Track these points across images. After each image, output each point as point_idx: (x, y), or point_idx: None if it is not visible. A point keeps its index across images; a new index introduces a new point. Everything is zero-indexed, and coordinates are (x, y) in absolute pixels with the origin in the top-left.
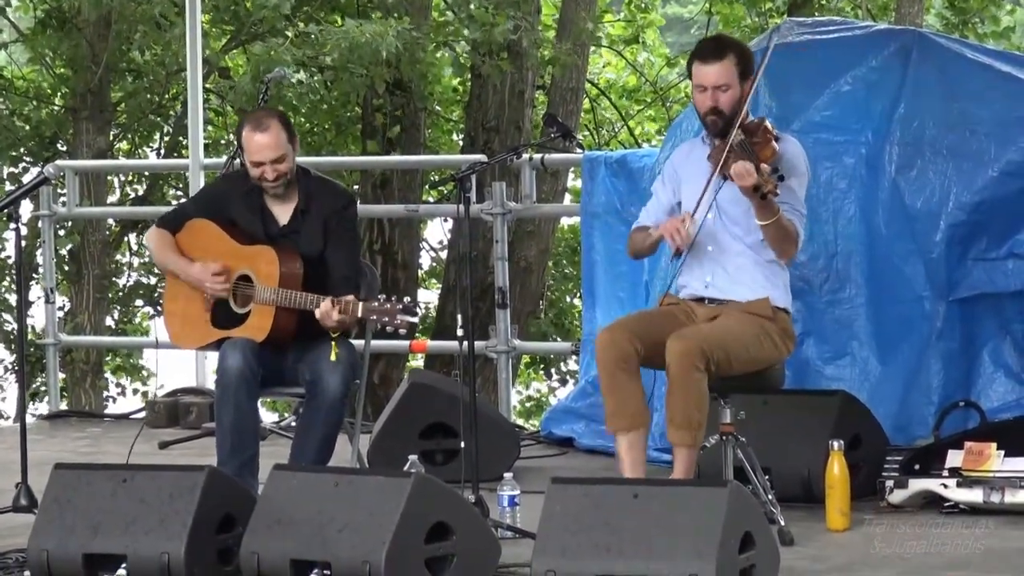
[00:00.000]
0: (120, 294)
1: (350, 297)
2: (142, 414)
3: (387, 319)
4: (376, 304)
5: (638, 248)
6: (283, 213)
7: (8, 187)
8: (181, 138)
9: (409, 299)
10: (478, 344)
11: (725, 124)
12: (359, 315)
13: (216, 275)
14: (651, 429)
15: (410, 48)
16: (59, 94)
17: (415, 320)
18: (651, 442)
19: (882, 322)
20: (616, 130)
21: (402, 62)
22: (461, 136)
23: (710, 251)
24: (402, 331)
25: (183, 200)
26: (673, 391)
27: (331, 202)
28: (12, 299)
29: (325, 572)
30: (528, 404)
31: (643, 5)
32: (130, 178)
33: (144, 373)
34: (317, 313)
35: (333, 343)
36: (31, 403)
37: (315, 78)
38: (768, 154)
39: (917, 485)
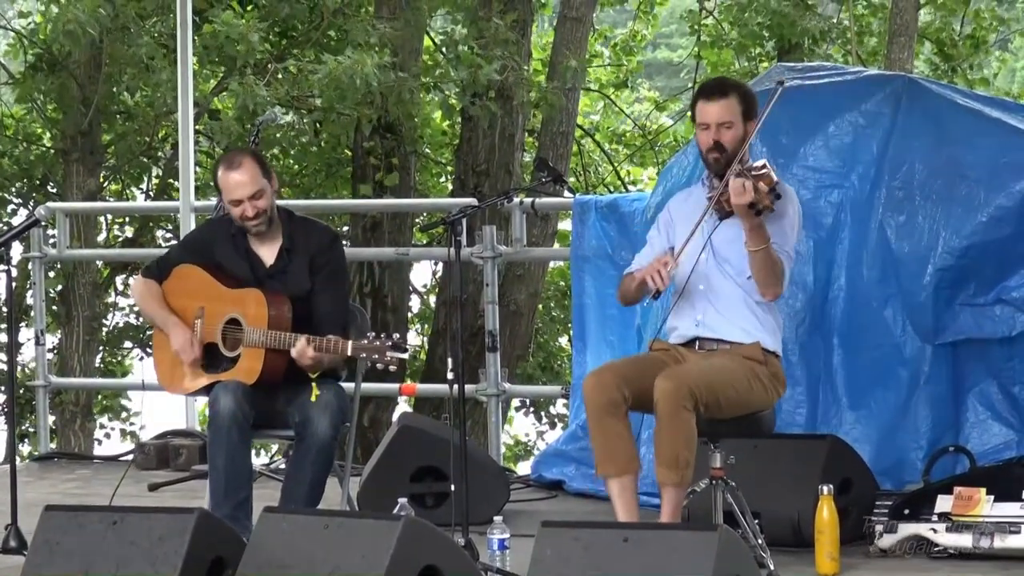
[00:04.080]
0: (109, 336)
1: (330, 336)
2: (132, 456)
3: (376, 356)
4: (365, 342)
5: (625, 293)
6: (268, 254)
7: None
8: (171, 180)
9: (398, 335)
10: (468, 387)
11: (726, 163)
12: (348, 353)
13: (192, 346)
14: (642, 469)
15: (397, 88)
16: (49, 136)
17: (405, 356)
18: (639, 486)
19: (857, 366)
20: (601, 172)
21: (389, 101)
22: (451, 179)
23: (701, 290)
24: (392, 368)
25: (168, 247)
26: (661, 430)
27: (316, 240)
28: (2, 339)
29: None
30: (516, 448)
31: (629, 48)
32: (119, 220)
33: (125, 415)
34: (292, 352)
35: (313, 384)
36: (21, 445)
37: (304, 120)
38: (767, 181)
39: (907, 530)
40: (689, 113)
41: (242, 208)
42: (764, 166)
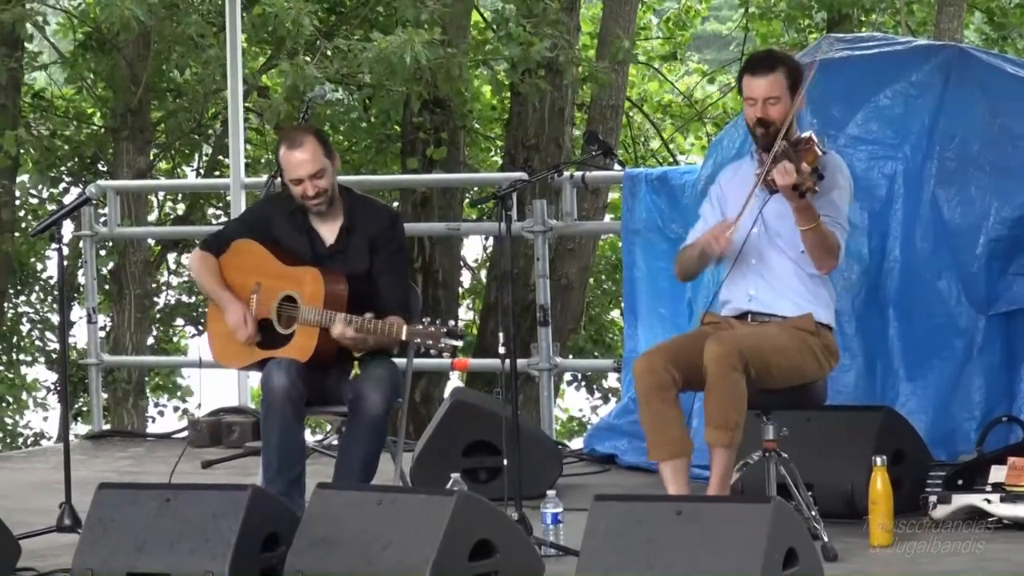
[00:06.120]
0: (159, 315)
1: (373, 317)
2: (185, 433)
3: (431, 342)
4: (420, 327)
5: (685, 266)
6: (329, 233)
7: (50, 207)
8: (221, 157)
9: (453, 323)
10: (520, 362)
11: (773, 136)
12: (403, 338)
13: (246, 323)
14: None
15: (445, 64)
16: (99, 114)
17: (459, 344)
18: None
19: (913, 337)
20: (648, 142)
21: (438, 78)
22: (500, 154)
23: (754, 264)
24: (445, 355)
25: (228, 221)
26: (711, 392)
27: (376, 220)
28: (55, 319)
29: None
30: (570, 424)
31: (682, 23)
32: (170, 197)
33: (180, 393)
34: (333, 331)
35: (356, 362)
36: (74, 423)
37: (354, 96)
38: (811, 159)
39: (960, 500)
40: (736, 86)
41: (303, 187)
42: (810, 139)
